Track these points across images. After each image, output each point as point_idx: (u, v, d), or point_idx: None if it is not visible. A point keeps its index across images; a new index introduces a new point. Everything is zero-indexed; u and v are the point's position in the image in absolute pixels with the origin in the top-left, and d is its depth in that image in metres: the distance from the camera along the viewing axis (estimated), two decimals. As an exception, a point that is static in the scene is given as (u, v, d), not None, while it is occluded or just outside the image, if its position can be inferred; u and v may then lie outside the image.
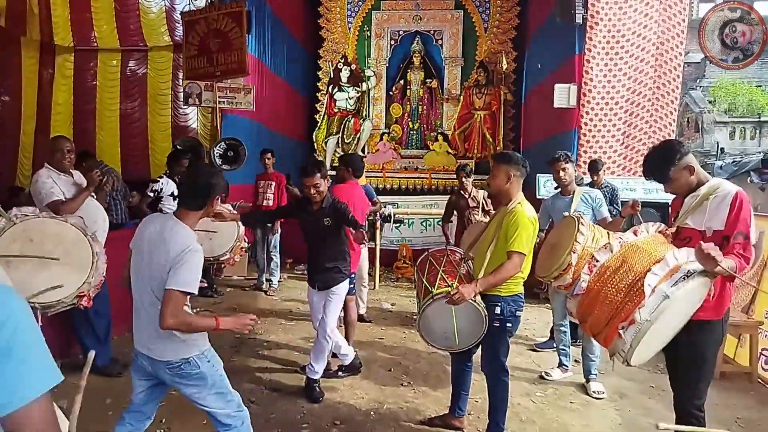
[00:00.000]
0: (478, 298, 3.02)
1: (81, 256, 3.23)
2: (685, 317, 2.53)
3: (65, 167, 3.84)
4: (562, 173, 4.39)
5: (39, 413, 0.96)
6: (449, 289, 3.01)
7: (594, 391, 4.07)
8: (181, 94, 8.25)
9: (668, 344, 2.61)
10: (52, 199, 3.65)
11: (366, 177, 5.55)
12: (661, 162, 2.68)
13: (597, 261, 2.67)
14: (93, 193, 3.96)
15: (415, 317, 6.17)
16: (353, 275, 4.47)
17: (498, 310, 3.05)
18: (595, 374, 4.18)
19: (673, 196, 2.85)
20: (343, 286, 4.04)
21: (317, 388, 3.95)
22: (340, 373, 4.27)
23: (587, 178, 5.71)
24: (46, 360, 1.00)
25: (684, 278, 2.43)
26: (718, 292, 2.61)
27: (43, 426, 0.96)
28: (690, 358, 2.63)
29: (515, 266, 2.98)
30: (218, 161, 7.43)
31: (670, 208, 3.01)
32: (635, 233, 2.69)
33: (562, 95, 7.07)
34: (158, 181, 5.47)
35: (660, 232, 2.69)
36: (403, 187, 10.78)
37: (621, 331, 2.50)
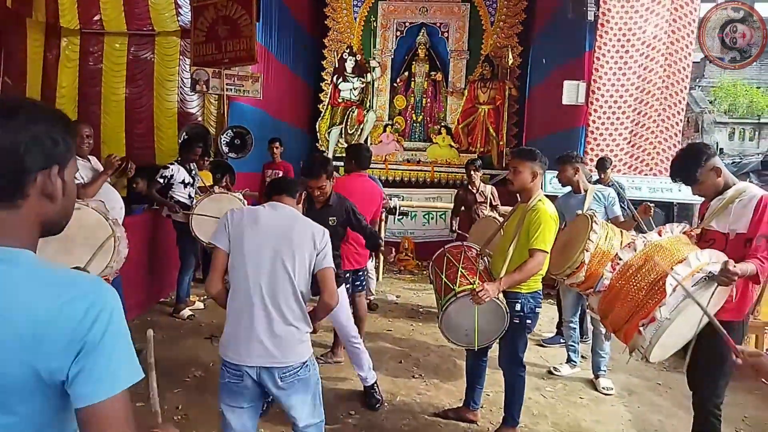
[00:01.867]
0: (501, 295, 3.03)
1: (103, 240, 3.23)
2: (705, 317, 2.57)
3: (84, 152, 3.82)
4: (559, 175, 4.51)
5: (119, 408, 0.92)
6: (473, 286, 3.01)
7: (603, 387, 4.13)
8: (188, 80, 8.20)
9: (688, 344, 2.65)
10: (72, 183, 3.64)
11: (369, 169, 5.36)
12: (688, 163, 2.72)
13: (620, 259, 2.71)
14: (109, 180, 3.96)
15: (420, 309, 6.26)
16: (359, 272, 4.29)
17: (518, 307, 3.07)
18: (605, 370, 4.24)
19: (682, 197, 2.91)
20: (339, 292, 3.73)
21: (375, 395, 3.73)
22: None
23: (594, 176, 5.76)
24: (131, 355, 0.96)
25: (705, 279, 2.47)
26: (740, 293, 2.66)
27: (121, 423, 0.92)
28: (711, 358, 2.67)
29: (539, 264, 3.00)
30: (225, 149, 7.41)
31: (697, 211, 3.06)
32: (660, 233, 2.73)
33: (571, 92, 7.09)
34: (168, 167, 5.43)
35: (684, 233, 2.73)
36: (406, 179, 10.79)
37: (641, 328, 2.55)
